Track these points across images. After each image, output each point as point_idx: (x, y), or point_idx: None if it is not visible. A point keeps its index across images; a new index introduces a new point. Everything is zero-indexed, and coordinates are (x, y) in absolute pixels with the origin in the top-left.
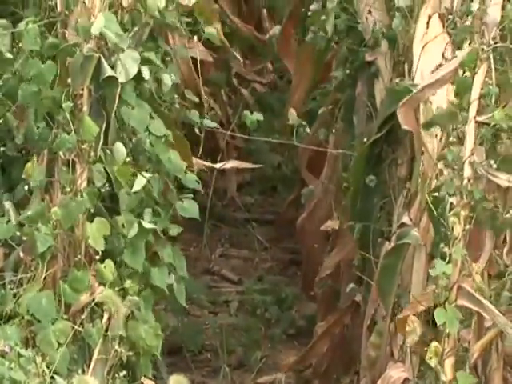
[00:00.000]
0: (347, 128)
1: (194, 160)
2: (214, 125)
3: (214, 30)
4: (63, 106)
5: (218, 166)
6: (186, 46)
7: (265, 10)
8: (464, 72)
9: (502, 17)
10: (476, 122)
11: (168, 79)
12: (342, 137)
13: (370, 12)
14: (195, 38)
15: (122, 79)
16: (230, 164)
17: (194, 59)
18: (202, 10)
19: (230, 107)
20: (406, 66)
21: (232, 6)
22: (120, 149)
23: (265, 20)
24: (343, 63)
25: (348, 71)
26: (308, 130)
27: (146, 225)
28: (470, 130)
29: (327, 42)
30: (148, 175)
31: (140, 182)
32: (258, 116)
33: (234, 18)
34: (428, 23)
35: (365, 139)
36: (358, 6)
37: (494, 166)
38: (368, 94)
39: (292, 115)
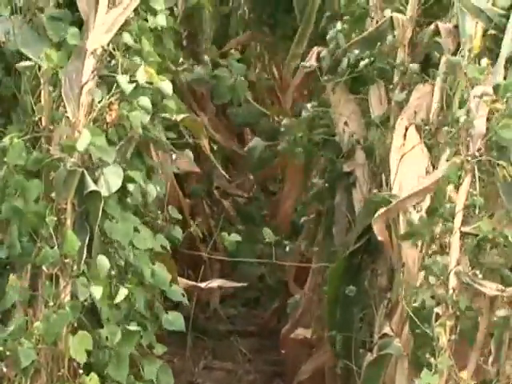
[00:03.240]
0: (329, 238)
1: (179, 278)
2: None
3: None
4: (47, 220)
5: (202, 285)
6: (170, 161)
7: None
8: (448, 183)
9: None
10: (461, 232)
11: (153, 190)
12: (324, 247)
13: (346, 123)
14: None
15: (104, 193)
16: (214, 283)
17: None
18: (190, 124)
19: (212, 219)
20: (384, 177)
21: (212, 120)
22: (103, 262)
23: (246, 132)
24: (322, 173)
25: (326, 181)
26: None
27: (132, 328)
28: (455, 240)
29: (308, 153)
30: (129, 286)
31: (122, 294)
32: (236, 237)
33: (214, 132)
34: (405, 134)
35: (344, 253)
36: (334, 118)
37: (480, 275)
38: (347, 204)
39: (266, 232)
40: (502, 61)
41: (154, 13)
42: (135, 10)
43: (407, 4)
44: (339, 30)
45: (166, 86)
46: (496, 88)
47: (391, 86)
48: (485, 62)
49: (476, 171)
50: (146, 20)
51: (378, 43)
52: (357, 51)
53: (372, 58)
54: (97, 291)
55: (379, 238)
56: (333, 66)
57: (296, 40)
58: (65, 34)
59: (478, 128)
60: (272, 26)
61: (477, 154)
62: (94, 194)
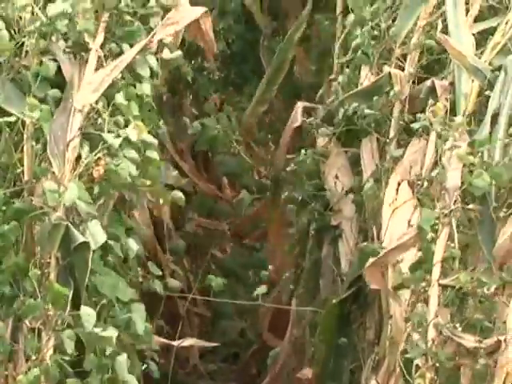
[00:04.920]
0: (311, 291)
1: (154, 337)
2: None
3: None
4: (30, 274)
5: (175, 343)
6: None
7: (225, 178)
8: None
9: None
10: (439, 284)
11: (133, 244)
12: (306, 300)
13: (337, 177)
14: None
15: (92, 246)
16: (188, 342)
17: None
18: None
19: (192, 273)
20: (375, 230)
21: (193, 173)
22: (89, 312)
23: (225, 187)
24: (307, 225)
25: (313, 233)
26: None
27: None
28: (434, 292)
29: (299, 205)
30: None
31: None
32: (221, 280)
33: (196, 179)
34: (397, 189)
35: (333, 301)
36: (324, 171)
37: (459, 328)
38: (333, 257)
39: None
40: (487, 118)
41: (139, 78)
42: (121, 72)
43: (405, 60)
44: (339, 82)
45: (150, 138)
46: (471, 143)
47: (387, 140)
48: (459, 119)
49: (453, 224)
50: (133, 85)
51: (375, 97)
52: (354, 104)
53: (367, 111)
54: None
55: (372, 287)
56: (327, 119)
57: (263, 86)
58: (48, 90)
59: (452, 181)
60: (239, 85)
61: (453, 206)
62: (82, 246)
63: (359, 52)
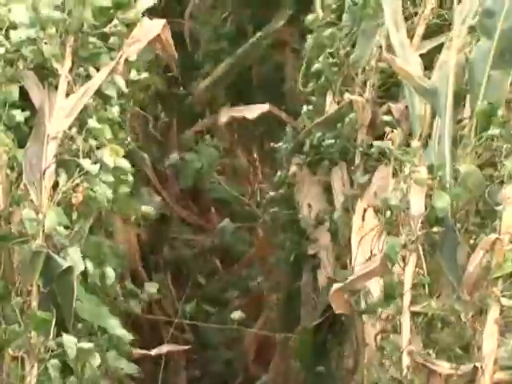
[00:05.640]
0: (292, 319)
1: (134, 350)
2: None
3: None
4: (13, 302)
5: (153, 352)
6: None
7: (212, 206)
8: (393, 264)
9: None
10: (411, 312)
11: (112, 273)
12: (289, 328)
13: (309, 205)
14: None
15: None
16: (165, 348)
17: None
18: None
19: (179, 301)
20: (348, 257)
21: (179, 202)
22: (72, 340)
23: (213, 215)
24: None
25: (292, 262)
26: None
27: None
28: (406, 319)
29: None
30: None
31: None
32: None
33: (178, 208)
34: (363, 216)
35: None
36: (298, 199)
37: (433, 354)
38: (312, 286)
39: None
40: (435, 140)
41: (109, 100)
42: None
43: (365, 86)
44: (305, 111)
45: (125, 164)
46: (430, 168)
47: (353, 168)
48: (415, 143)
49: (420, 250)
50: (104, 108)
51: (339, 124)
52: (318, 134)
53: (334, 140)
54: None
55: (336, 312)
56: (296, 147)
57: None
58: (18, 118)
59: (415, 207)
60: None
61: (418, 232)
62: (66, 271)
63: (322, 79)
